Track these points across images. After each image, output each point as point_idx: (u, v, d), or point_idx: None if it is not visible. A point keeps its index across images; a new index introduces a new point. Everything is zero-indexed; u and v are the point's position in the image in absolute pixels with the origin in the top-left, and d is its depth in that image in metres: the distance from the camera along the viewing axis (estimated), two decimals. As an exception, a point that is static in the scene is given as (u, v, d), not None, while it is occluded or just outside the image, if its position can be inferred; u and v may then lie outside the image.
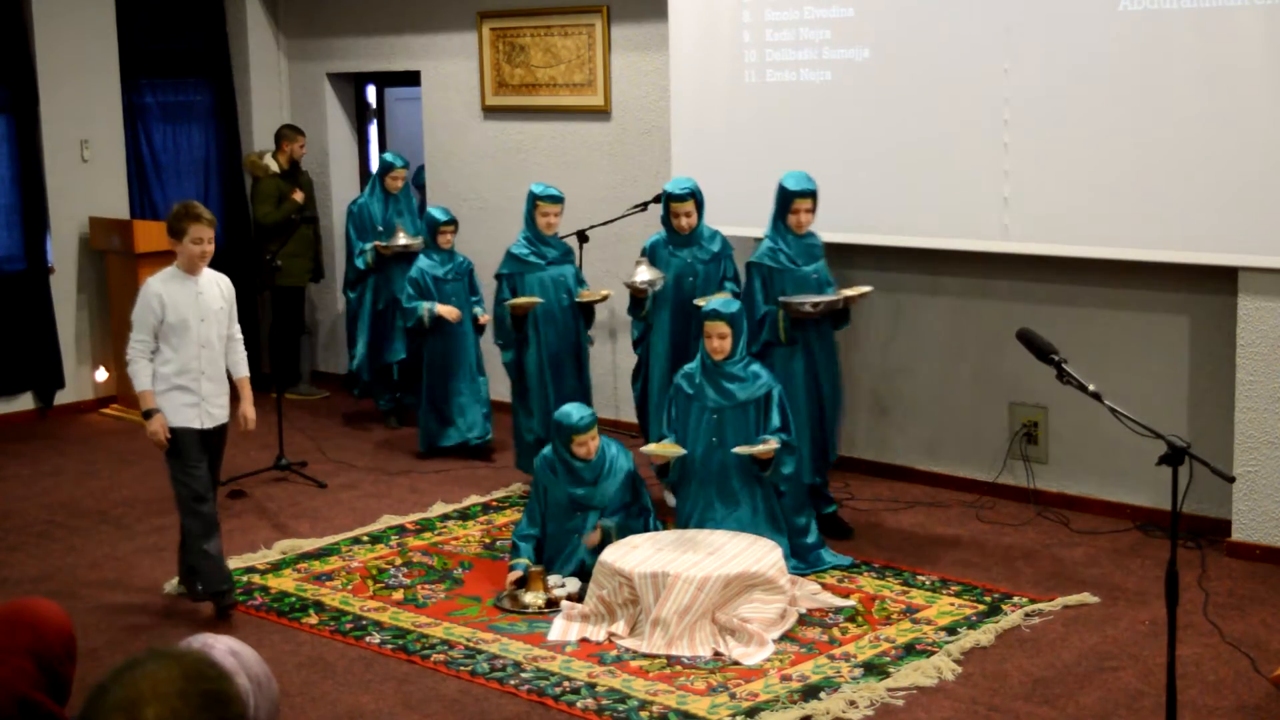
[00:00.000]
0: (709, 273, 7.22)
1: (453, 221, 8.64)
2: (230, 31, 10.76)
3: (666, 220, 7.24)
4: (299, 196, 9.98)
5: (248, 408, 6.32)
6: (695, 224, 7.18)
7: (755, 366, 6.46)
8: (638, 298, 7.23)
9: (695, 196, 7.15)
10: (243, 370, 6.34)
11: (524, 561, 6.33)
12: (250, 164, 10.28)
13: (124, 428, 9.66)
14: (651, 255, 7.25)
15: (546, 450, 6.52)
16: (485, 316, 8.59)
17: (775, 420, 6.36)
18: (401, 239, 9.11)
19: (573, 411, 6.39)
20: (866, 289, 6.97)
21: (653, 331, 7.32)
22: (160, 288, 6.07)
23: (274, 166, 10.05)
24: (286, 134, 10.09)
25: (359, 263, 9.22)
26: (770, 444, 6.26)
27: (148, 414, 6.04)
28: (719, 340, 6.36)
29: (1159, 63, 6.54)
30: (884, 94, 7.38)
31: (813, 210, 6.85)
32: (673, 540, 6.08)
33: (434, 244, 8.61)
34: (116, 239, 9.73)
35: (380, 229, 9.22)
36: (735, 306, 6.42)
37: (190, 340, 6.05)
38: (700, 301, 6.93)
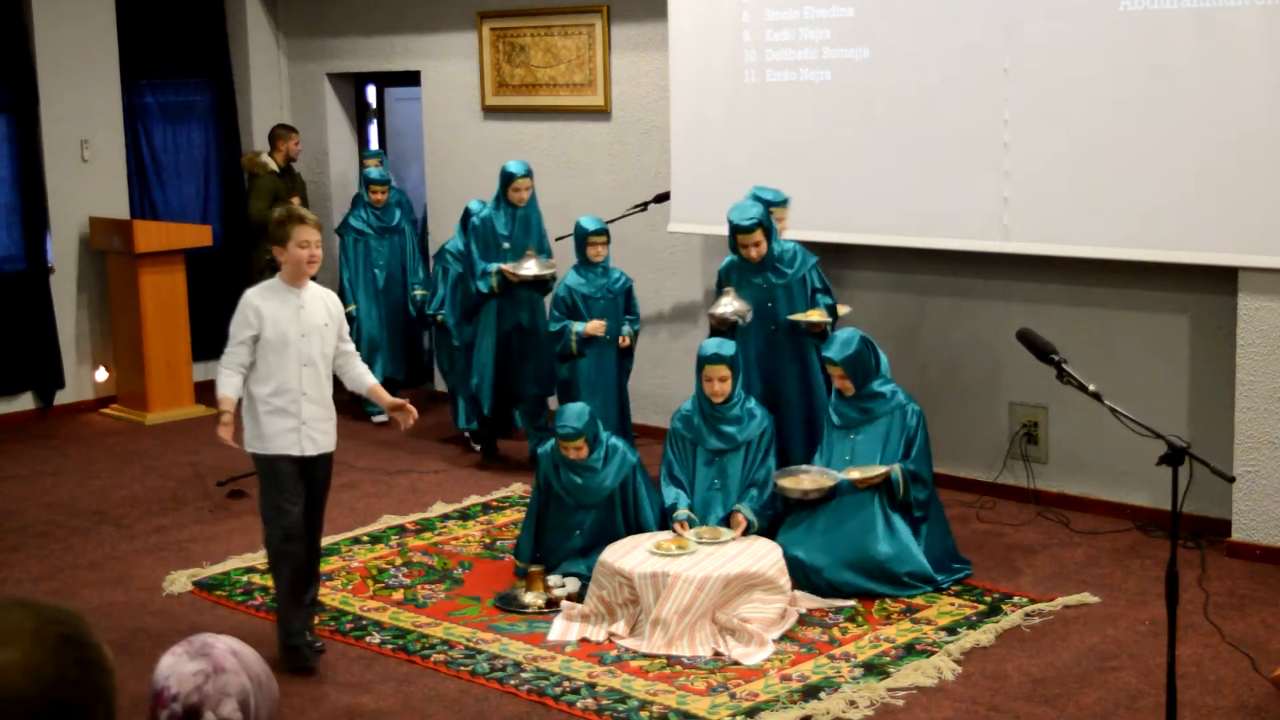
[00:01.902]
0: (790, 295, 6.77)
1: (603, 231, 7.67)
2: (230, 31, 10.76)
3: (734, 248, 6.76)
4: (297, 202, 10.00)
5: (397, 400, 5.76)
6: (765, 252, 6.70)
7: (750, 404, 6.46)
8: (722, 330, 6.76)
9: (764, 225, 6.64)
10: (370, 379, 5.81)
11: (523, 566, 6.40)
12: (248, 161, 10.29)
13: (124, 428, 9.66)
14: (726, 280, 6.80)
15: (551, 442, 6.42)
16: (625, 340, 7.69)
17: (769, 462, 6.39)
18: (532, 267, 8.03)
19: (566, 413, 6.30)
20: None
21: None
22: (257, 300, 5.59)
23: (272, 165, 10.08)
24: (280, 133, 10.12)
25: (481, 286, 8.08)
26: (740, 526, 6.16)
27: (220, 416, 5.61)
28: (720, 384, 6.32)
29: (1159, 63, 6.54)
30: (884, 94, 7.38)
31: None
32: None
33: (583, 257, 7.66)
34: (116, 239, 9.73)
35: (506, 247, 8.10)
36: (732, 349, 6.34)
37: (290, 357, 5.55)
38: (797, 317, 6.69)
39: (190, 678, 2.14)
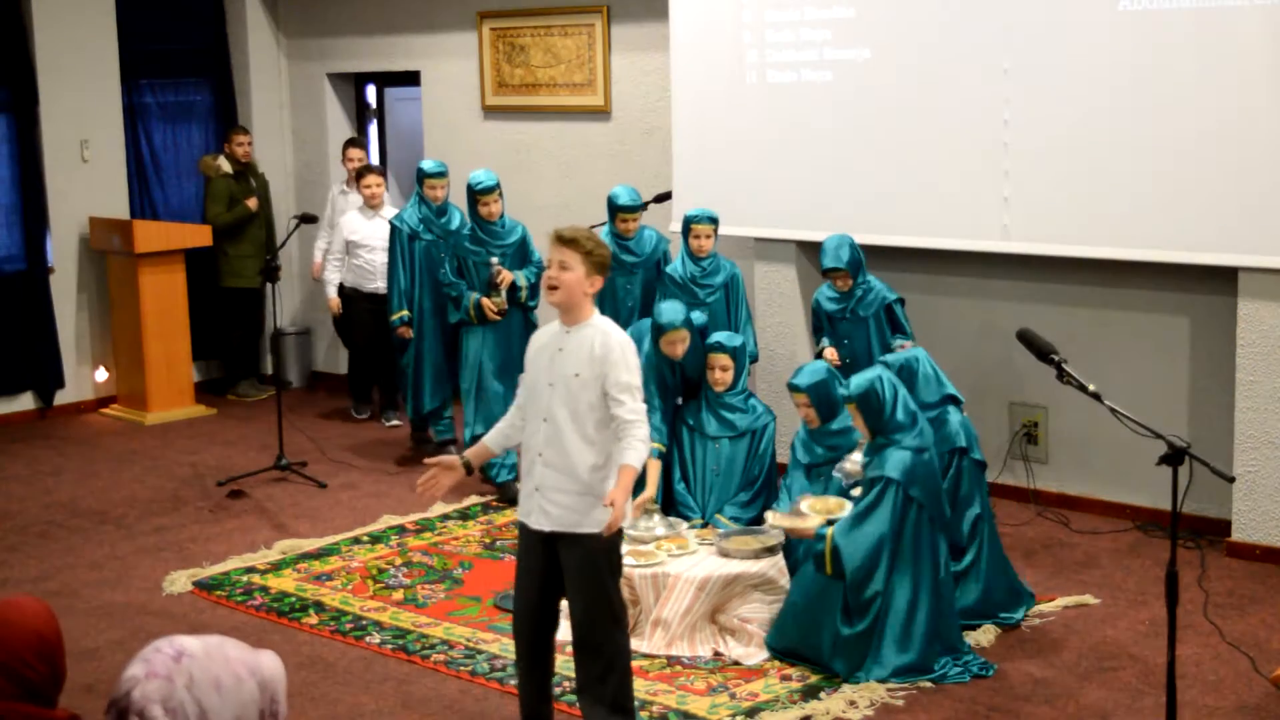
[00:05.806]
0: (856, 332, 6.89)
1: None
2: (230, 31, 10.76)
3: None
4: (252, 204, 10.03)
5: (617, 494, 4.41)
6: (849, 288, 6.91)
7: (753, 399, 6.72)
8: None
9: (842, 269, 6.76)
10: (628, 457, 4.49)
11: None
12: (202, 165, 10.27)
13: (124, 428, 9.66)
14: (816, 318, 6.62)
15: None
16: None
17: (764, 457, 6.60)
18: (655, 527, 6.08)
19: (667, 310, 6.68)
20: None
21: None
22: (534, 337, 4.80)
23: (226, 167, 10.08)
24: (229, 134, 10.17)
25: None
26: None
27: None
28: (721, 372, 6.58)
29: (1159, 63, 6.54)
30: (884, 94, 7.38)
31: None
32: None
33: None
34: (116, 239, 9.73)
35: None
36: (739, 340, 6.62)
37: (536, 410, 4.65)
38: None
39: (126, 681, 2.16)
